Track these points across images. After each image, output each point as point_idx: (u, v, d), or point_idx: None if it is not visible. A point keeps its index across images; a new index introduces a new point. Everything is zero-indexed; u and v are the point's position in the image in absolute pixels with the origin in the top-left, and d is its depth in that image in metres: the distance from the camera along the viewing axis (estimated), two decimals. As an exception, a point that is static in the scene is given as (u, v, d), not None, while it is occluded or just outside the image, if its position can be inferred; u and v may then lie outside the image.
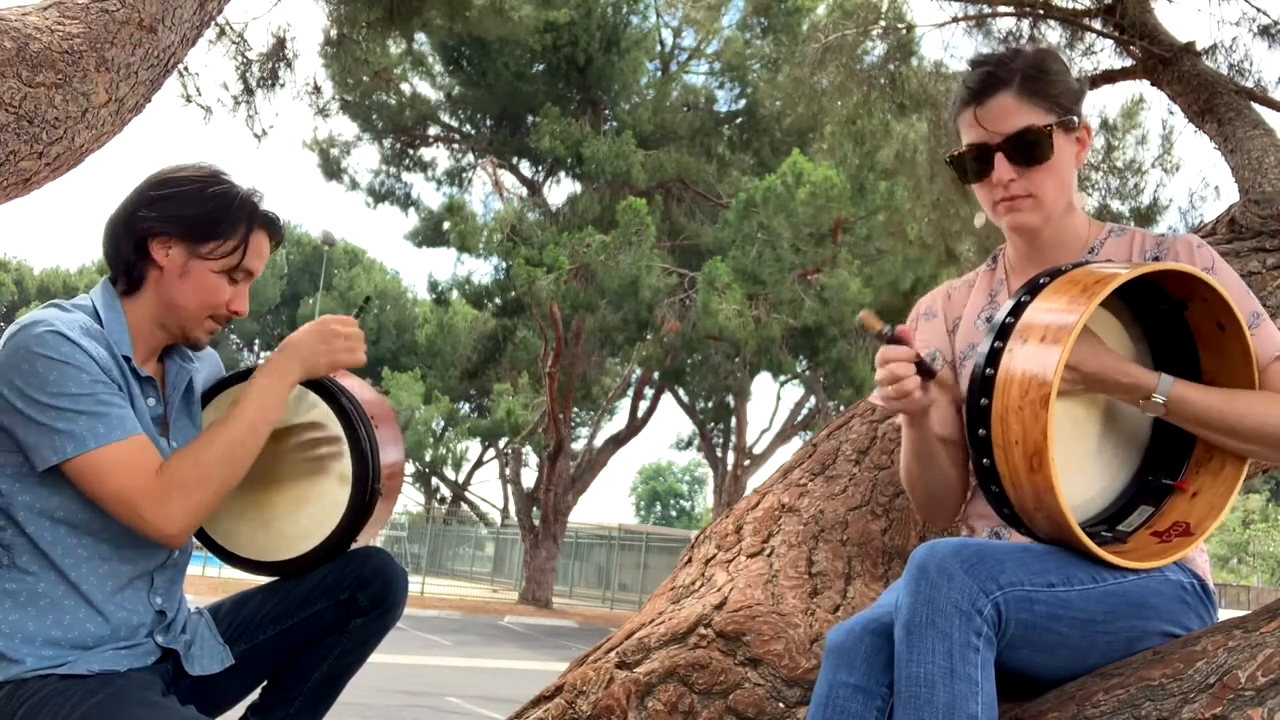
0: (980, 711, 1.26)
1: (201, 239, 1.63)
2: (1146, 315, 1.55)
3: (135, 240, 1.63)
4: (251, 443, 1.60)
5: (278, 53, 7.58)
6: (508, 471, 29.06)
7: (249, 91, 7.65)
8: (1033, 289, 1.43)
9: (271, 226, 1.72)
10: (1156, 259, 1.58)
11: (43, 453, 1.48)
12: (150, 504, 1.50)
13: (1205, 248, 1.57)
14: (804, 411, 25.03)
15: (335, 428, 1.76)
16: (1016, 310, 1.41)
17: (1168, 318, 1.52)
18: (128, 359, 1.61)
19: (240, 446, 1.59)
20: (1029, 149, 1.55)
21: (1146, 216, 5.94)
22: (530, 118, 21.01)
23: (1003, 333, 1.41)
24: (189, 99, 7.46)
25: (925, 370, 1.52)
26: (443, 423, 32.60)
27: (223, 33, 7.12)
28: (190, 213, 1.63)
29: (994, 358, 1.40)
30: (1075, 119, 1.59)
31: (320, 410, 1.77)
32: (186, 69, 7.15)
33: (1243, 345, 1.46)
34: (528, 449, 26.36)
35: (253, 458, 1.61)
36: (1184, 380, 1.46)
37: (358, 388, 1.84)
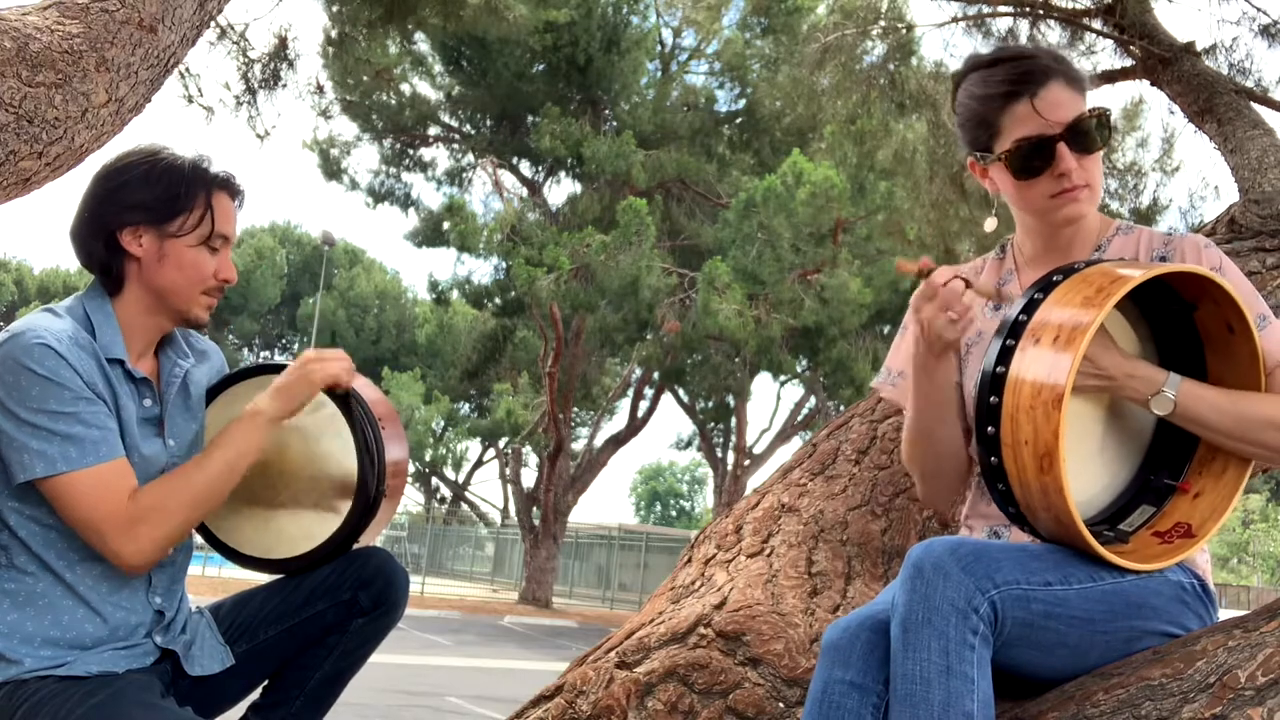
0: (976, 710, 1.26)
1: (167, 218, 1.62)
2: (1154, 315, 1.54)
3: (103, 238, 1.62)
4: (226, 482, 1.60)
5: (279, 53, 7.57)
6: (508, 471, 29.04)
7: (251, 92, 7.63)
8: (1045, 286, 1.41)
9: (228, 185, 1.69)
10: (1163, 258, 1.58)
11: (13, 469, 1.48)
12: (116, 535, 1.50)
13: (1213, 248, 1.56)
14: (804, 411, 25.05)
15: (341, 426, 1.76)
16: (1029, 308, 1.40)
17: (1176, 318, 1.51)
18: (120, 362, 1.60)
19: (215, 486, 1.59)
20: (1087, 136, 1.54)
21: (1146, 217, 5.94)
22: (530, 118, 21.01)
23: (1014, 330, 1.39)
24: (190, 100, 7.46)
25: (967, 284, 1.51)
26: (443, 423, 32.60)
27: (224, 33, 7.12)
28: (147, 195, 1.61)
29: (1005, 355, 1.38)
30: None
31: (327, 409, 1.77)
32: (188, 70, 7.14)
33: (1251, 348, 1.45)
34: (528, 449, 26.35)
35: (226, 494, 1.61)
36: (1191, 379, 1.46)
37: (363, 386, 1.84)
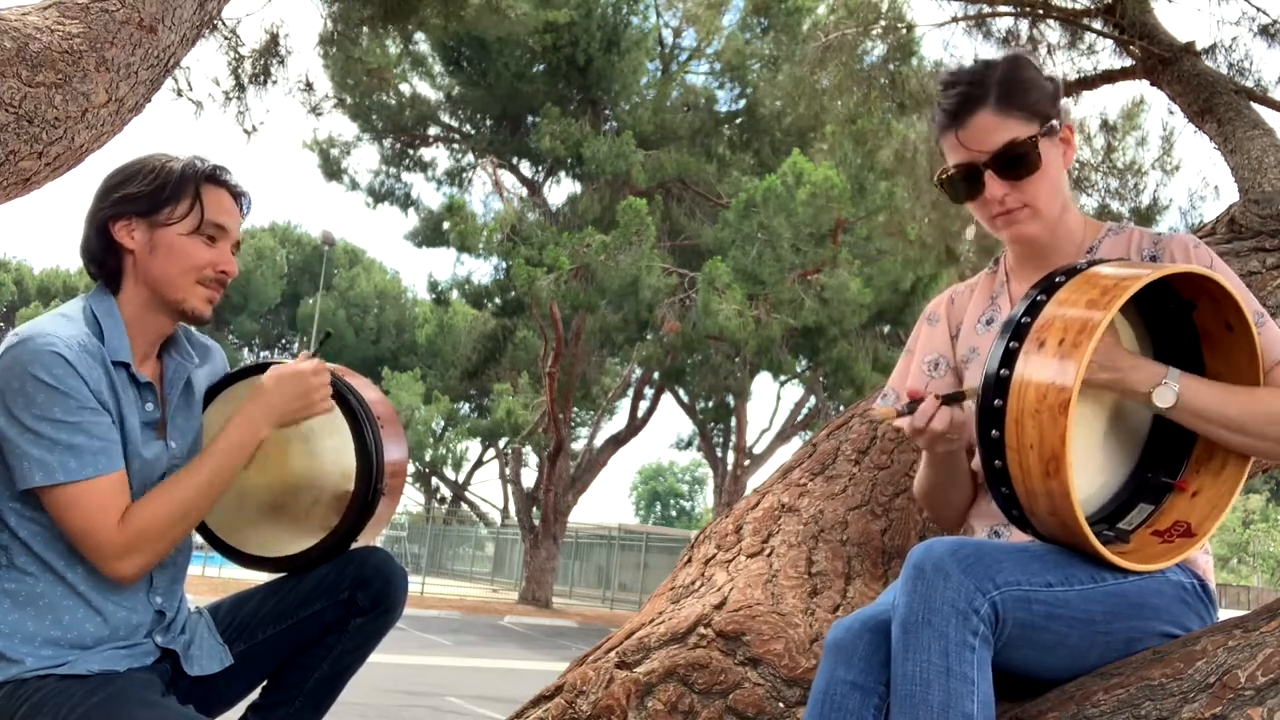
0: (976, 711, 1.26)
1: (156, 209, 1.65)
2: (1152, 315, 1.54)
3: (97, 230, 1.65)
4: (214, 493, 1.61)
5: (271, 49, 7.55)
6: (508, 471, 29.02)
7: (240, 87, 7.61)
8: (1048, 288, 1.40)
9: (216, 178, 1.71)
10: (1153, 258, 1.58)
11: (12, 475, 1.49)
12: (108, 552, 1.51)
13: (1203, 247, 1.57)
14: (804, 411, 25.03)
15: (340, 425, 1.76)
16: (1032, 309, 1.38)
17: (1173, 318, 1.51)
18: (126, 365, 1.60)
19: (204, 498, 1.60)
20: (1017, 162, 1.56)
21: (1146, 217, 5.94)
22: (530, 118, 21.00)
23: (1018, 333, 1.37)
24: (180, 93, 7.44)
25: (953, 399, 1.50)
26: (443, 423, 32.60)
27: (214, 28, 7.10)
28: (138, 189, 1.65)
29: (1009, 358, 1.36)
30: (1056, 123, 1.58)
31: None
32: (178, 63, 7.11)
33: (1250, 346, 1.45)
34: (528, 449, 26.34)
35: (214, 503, 1.62)
36: (1191, 374, 1.45)
37: (363, 387, 1.84)
